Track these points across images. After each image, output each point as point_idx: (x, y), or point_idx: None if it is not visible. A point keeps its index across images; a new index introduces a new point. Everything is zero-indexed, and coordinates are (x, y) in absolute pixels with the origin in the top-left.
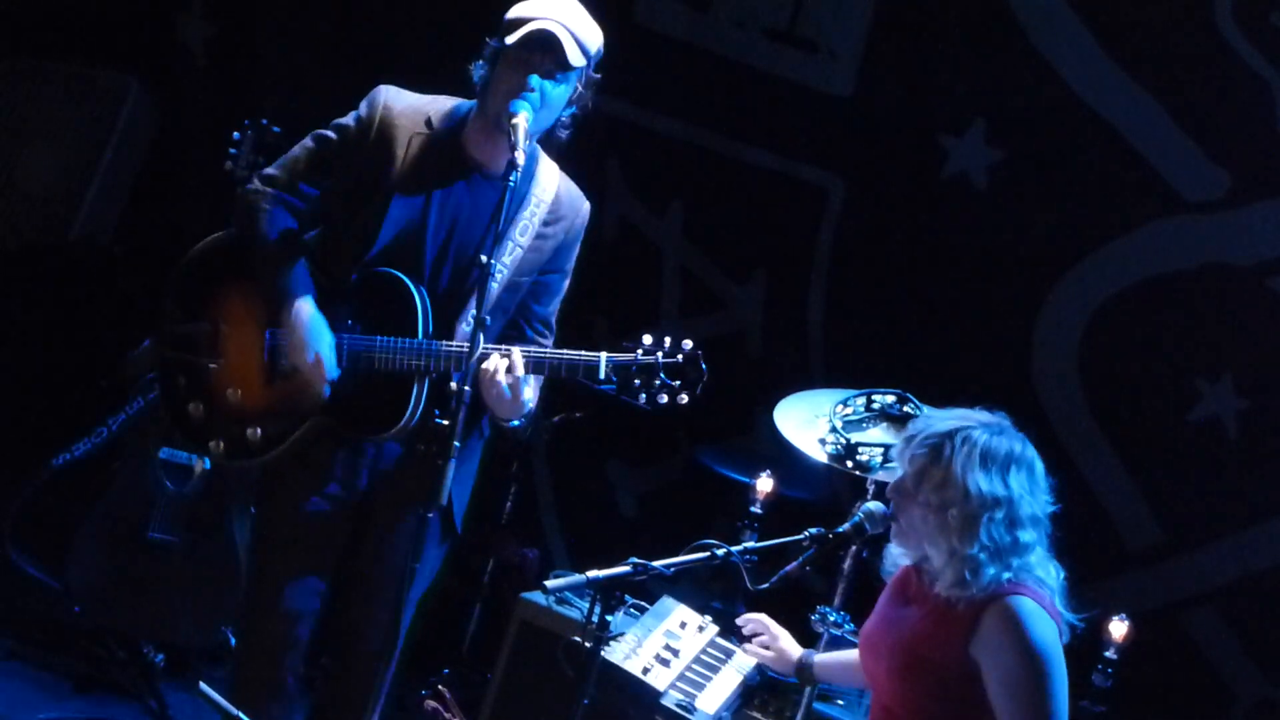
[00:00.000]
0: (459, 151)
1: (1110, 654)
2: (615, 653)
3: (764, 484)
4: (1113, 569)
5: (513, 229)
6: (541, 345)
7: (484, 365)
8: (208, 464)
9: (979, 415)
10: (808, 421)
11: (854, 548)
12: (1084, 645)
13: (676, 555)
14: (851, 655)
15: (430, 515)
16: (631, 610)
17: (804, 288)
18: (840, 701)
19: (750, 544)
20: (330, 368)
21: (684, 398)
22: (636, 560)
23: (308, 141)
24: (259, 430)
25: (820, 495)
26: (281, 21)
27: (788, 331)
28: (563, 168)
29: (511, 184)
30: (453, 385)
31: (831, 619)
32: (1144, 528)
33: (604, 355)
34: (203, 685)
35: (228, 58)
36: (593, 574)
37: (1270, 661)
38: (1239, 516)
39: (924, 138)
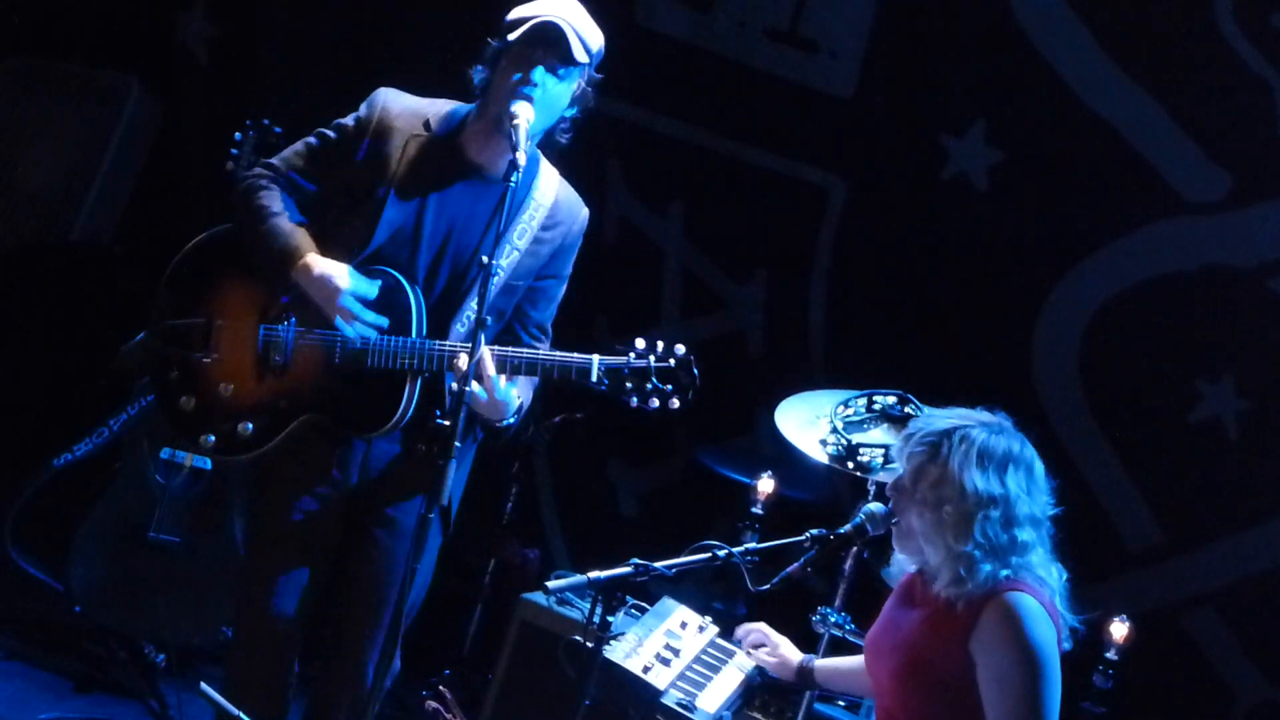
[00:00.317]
0: (457, 154)
1: (1111, 655)
2: (616, 652)
3: (765, 485)
4: (1113, 570)
5: (511, 232)
6: (539, 348)
7: (454, 364)
8: (208, 464)
9: (979, 415)
10: (809, 422)
11: (855, 549)
12: (1084, 646)
13: (677, 556)
14: (852, 662)
15: (430, 516)
16: (632, 611)
17: (805, 288)
18: (841, 702)
19: (751, 545)
20: (344, 299)
21: (675, 402)
22: (638, 561)
23: (309, 138)
24: (250, 425)
25: (821, 496)
26: (283, 22)
27: (788, 332)
28: (563, 168)
29: (513, 184)
30: (452, 386)
31: (833, 620)
32: (1144, 528)
33: (596, 358)
34: (204, 685)
35: (229, 58)
36: (594, 575)
37: (1270, 662)
38: (1239, 517)
39: (925, 138)
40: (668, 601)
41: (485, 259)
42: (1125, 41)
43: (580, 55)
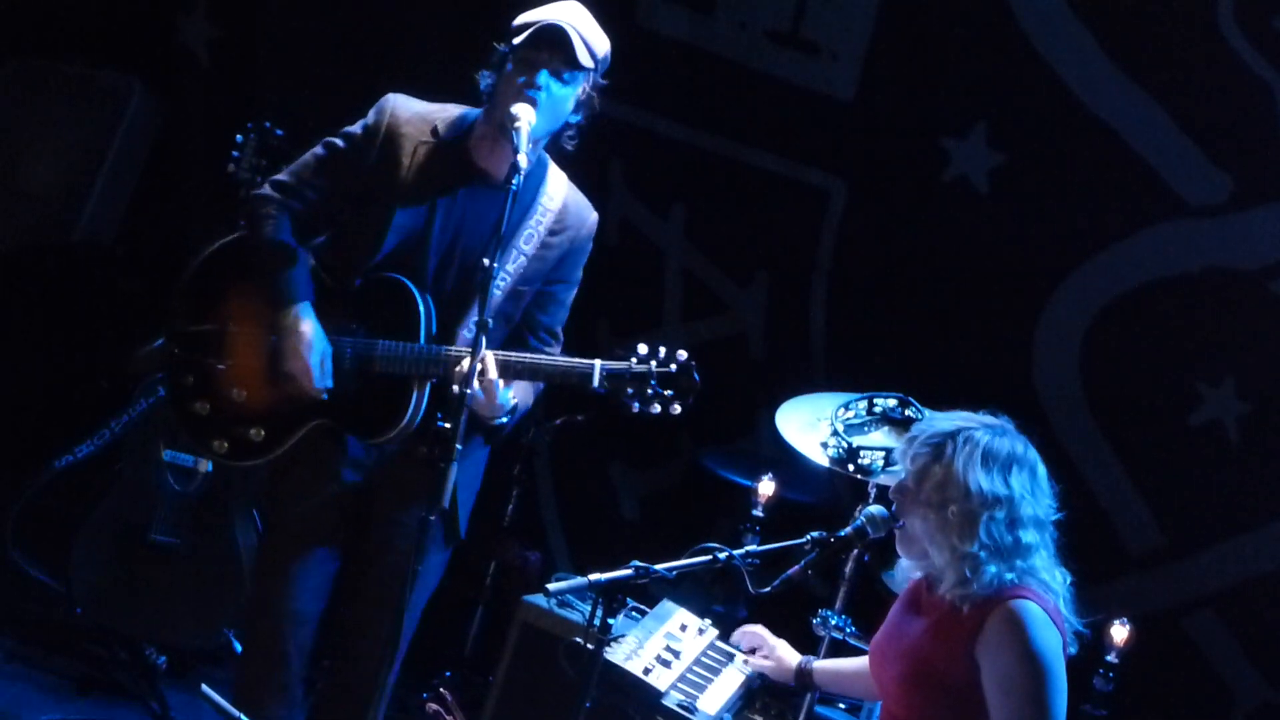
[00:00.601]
0: (465, 159)
1: (1111, 658)
2: (616, 654)
3: (766, 487)
4: (1114, 572)
5: (518, 236)
6: (547, 354)
7: (457, 367)
8: (210, 467)
9: (982, 417)
10: (809, 424)
11: (856, 551)
12: (1085, 649)
13: (678, 558)
14: (851, 664)
15: (432, 518)
16: (633, 613)
17: (806, 290)
18: (842, 705)
19: (752, 547)
20: (319, 377)
21: (676, 408)
22: (638, 563)
23: (318, 149)
24: (261, 431)
25: (822, 498)
26: (285, 24)
27: (789, 334)
28: (565, 171)
29: (514, 187)
30: (454, 389)
31: (833, 622)
32: (1145, 531)
33: (598, 363)
34: (205, 687)
35: (231, 60)
36: (594, 577)
37: (1271, 665)
38: (1240, 520)
39: (926, 141)
40: (668, 604)
41: (486, 261)
42: (1127, 44)
43: (585, 59)
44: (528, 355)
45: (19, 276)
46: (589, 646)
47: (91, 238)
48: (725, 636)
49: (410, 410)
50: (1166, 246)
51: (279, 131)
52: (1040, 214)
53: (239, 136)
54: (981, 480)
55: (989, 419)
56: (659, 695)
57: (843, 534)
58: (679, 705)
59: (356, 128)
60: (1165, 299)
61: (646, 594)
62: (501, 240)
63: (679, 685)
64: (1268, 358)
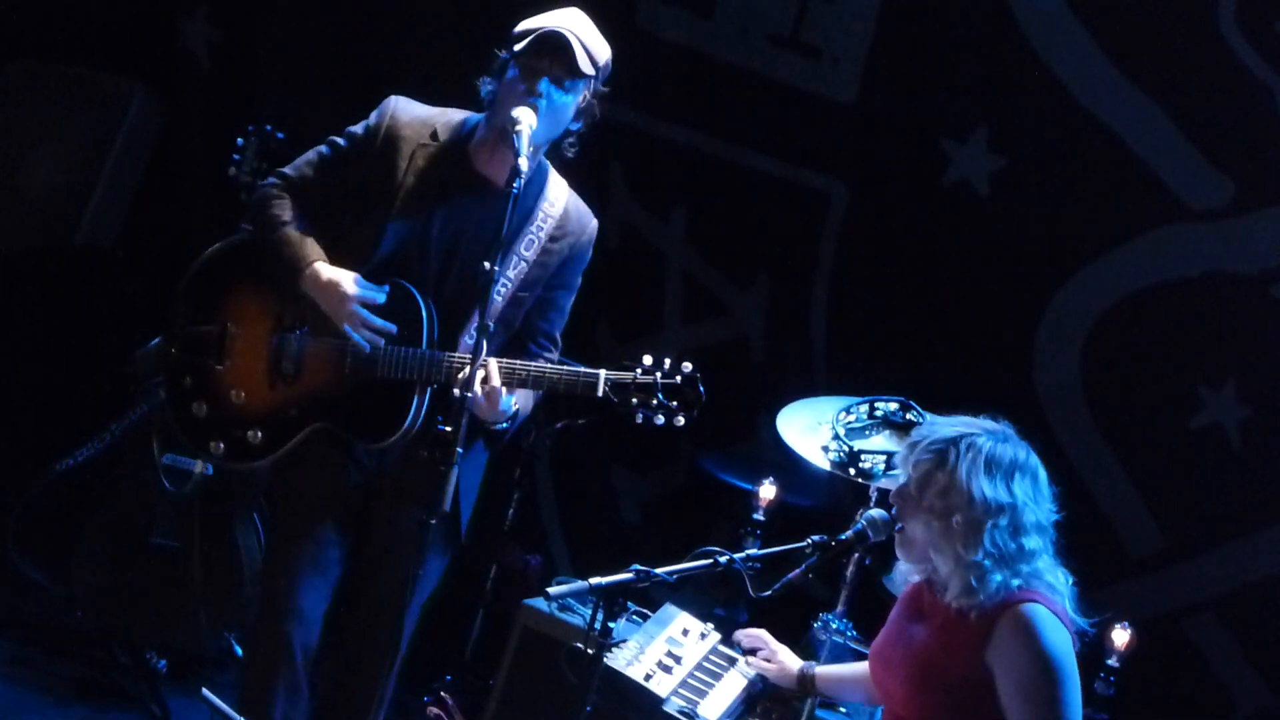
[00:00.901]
0: (464, 164)
1: (1112, 661)
2: (617, 659)
3: (767, 491)
4: (1115, 576)
5: (519, 242)
6: (546, 360)
7: (460, 373)
8: (210, 470)
9: (984, 423)
10: (810, 428)
11: (857, 555)
12: (1087, 653)
13: (679, 562)
14: (853, 669)
15: (433, 522)
16: (634, 617)
17: (807, 294)
18: (842, 709)
19: (753, 551)
20: (374, 290)
21: (680, 419)
22: (639, 567)
23: (320, 147)
24: (260, 433)
25: (823, 502)
26: (286, 27)
27: (790, 338)
28: (565, 174)
29: (515, 190)
30: (456, 392)
31: (834, 626)
32: (1146, 535)
33: (603, 373)
34: (205, 691)
35: (232, 63)
36: (595, 581)
37: (1272, 669)
38: (1241, 524)
39: (927, 144)
40: (669, 608)
41: (487, 265)
42: (1128, 47)
43: (586, 67)
44: (532, 364)
45: (20, 278)
46: (590, 651)
47: (92, 240)
48: (726, 641)
49: (411, 415)
50: (1167, 250)
51: (280, 134)
52: (1041, 217)
53: (240, 139)
54: (985, 488)
55: (991, 424)
56: (660, 702)
57: (843, 538)
58: (680, 711)
59: (358, 128)
60: (1166, 303)
61: (647, 598)
62: (503, 244)
63: (680, 691)
64: (1268, 361)
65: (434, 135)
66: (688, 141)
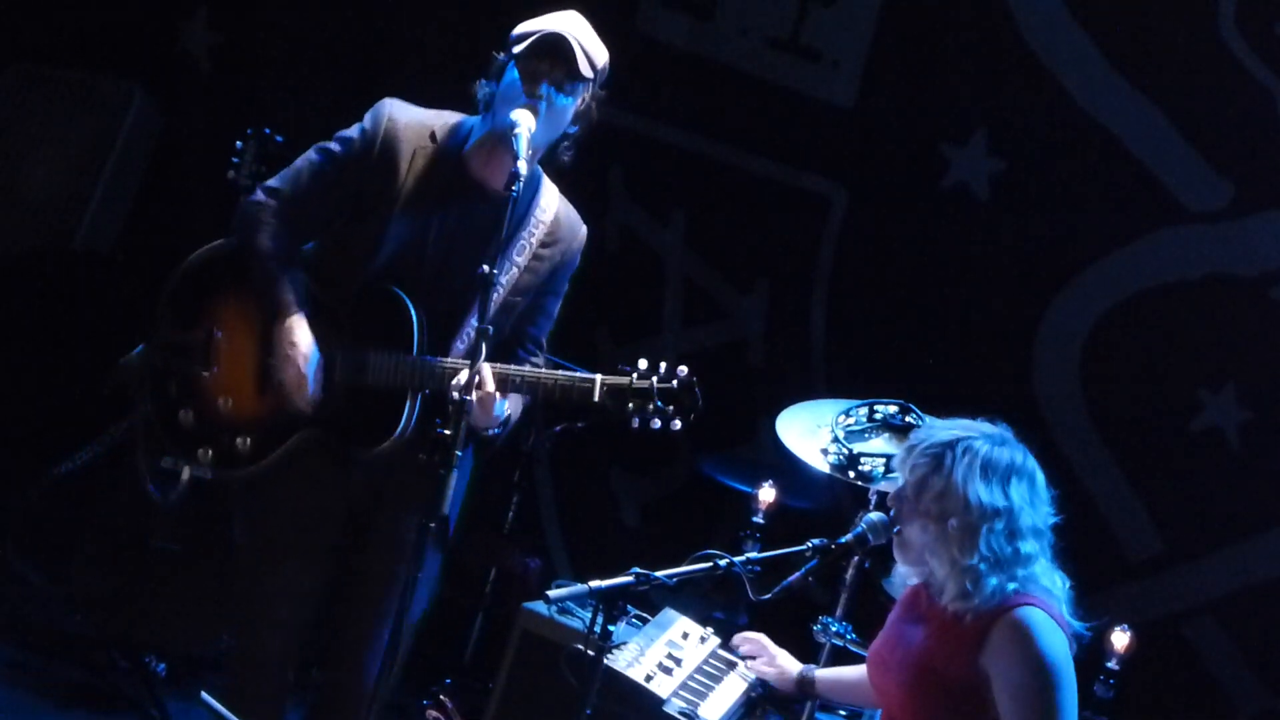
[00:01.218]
0: (462, 168)
1: (1112, 664)
2: (617, 661)
3: (766, 494)
4: (1114, 579)
5: (511, 249)
6: (533, 365)
7: (455, 380)
8: (190, 474)
9: (981, 426)
10: (810, 431)
11: (856, 558)
12: (1086, 656)
13: (679, 565)
14: (854, 672)
15: (432, 525)
16: (634, 620)
17: (806, 297)
18: (842, 712)
19: (753, 554)
20: (312, 390)
21: (677, 424)
22: (639, 570)
23: (311, 154)
24: (248, 440)
25: (822, 505)
26: (285, 31)
27: (790, 341)
28: (564, 176)
29: (515, 193)
30: (454, 395)
31: (834, 629)
32: (1145, 538)
33: (599, 378)
34: (204, 694)
35: (231, 66)
36: (595, 584)
37: (1271, 672)
38: (1240, 526)
39: (926, 147)
40: (669, 612)
41: (486, 268)
42: (1128, 50)
43: (585, 70)
44: (527, 369)
45: (19, 282)
46: (590, 653)
47: (92, 244)
48: (726, 644)
49: (402, 422)
50: (1167, 253)
51: (279, 138)
52: (1040, 220)
53: (238, 143)
54: (981, 492)
55: (988, 428)
56: (660, 702)
57: (843, 541)
58: (680, 712)
59: (352, 131)
60: (1166, 305)
61: (647, 601)
62: (502, 247)
63: (680, 693)
64: (1268, 364)
65: (432, 137)
66: (688, 145)
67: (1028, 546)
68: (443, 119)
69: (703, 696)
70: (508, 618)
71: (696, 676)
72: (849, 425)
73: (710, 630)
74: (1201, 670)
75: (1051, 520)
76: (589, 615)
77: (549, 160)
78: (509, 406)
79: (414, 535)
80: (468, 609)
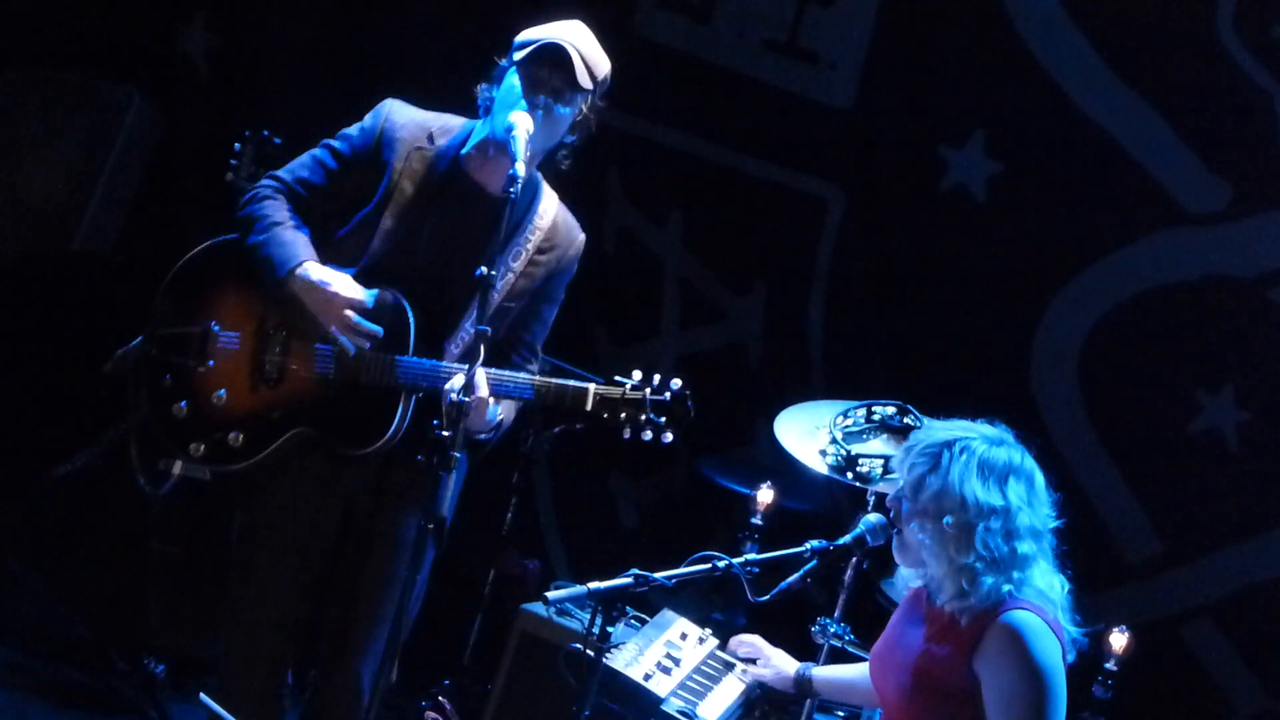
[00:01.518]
0: (459, 171)
1: (1110, 665)
2: (616, 660)
3: (765, 495)
4: (1112, 581)
5: (508, 253)
6: (527, 371)
7: (448, 384)
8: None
9: (980, 427)
10: (808, 433)
11: (855, 560)
12: (1084, 657)
13: (677, 567)
14: (852, 672)
15: (430, 526)
16: (632, 622)
17: (804, 298)
18: (840, 713)
19: (751, 555)
20: (367, 296)
21: (668, 436)
22: (637, 572)
23: (314, 150)
24: (241, 436)
25: (821, 507)
26: (283, 33)
27: (788, 342)
28: (563, 179)
29: (512, 195)
30: (452, 397)
31: (832, 630)
32: (1143, 539)
33: (592, 387)
34: (203, 696)
35: (229, 69)
36: (593, 585)
37: (1270, 673)
38: (1239, 528)
39: (924, 149)
40: (668, 613)
41: (485, 270)
42: (1126, 52)
43: (584, 81)
44: (521, 376)
45: (18, 284)
46: (588, 652)
47: (90, 245)
48: (724, 645)
49: (395, 423)
50: (1165, 255)
51: (276, 140)
52: (1038, 222)
53: (236, 145)
54: (978, 491)
55: (986, 429)
56: (659, 702)
57: (842, 542)
58: (679, 712)
59: (353, 130)
60: (1164, 307)
61: (646, 602)
62: (499, 249)
63: (679, 692)
64: (1266, 366)
65: (430, 139)
66: (685, 146)
67: (1025, 547)
68: (442, 121)
69: (701, 696)
70: (506, 619)
71: (695, 677)
72: (847, 426)
73: (709, 631)
74: (1200, 672)
75: (1052, 523)
76: (587, 616)
77: (546, 168)
78: (502, 411)
79: (412, 535)
80: (466, 610)
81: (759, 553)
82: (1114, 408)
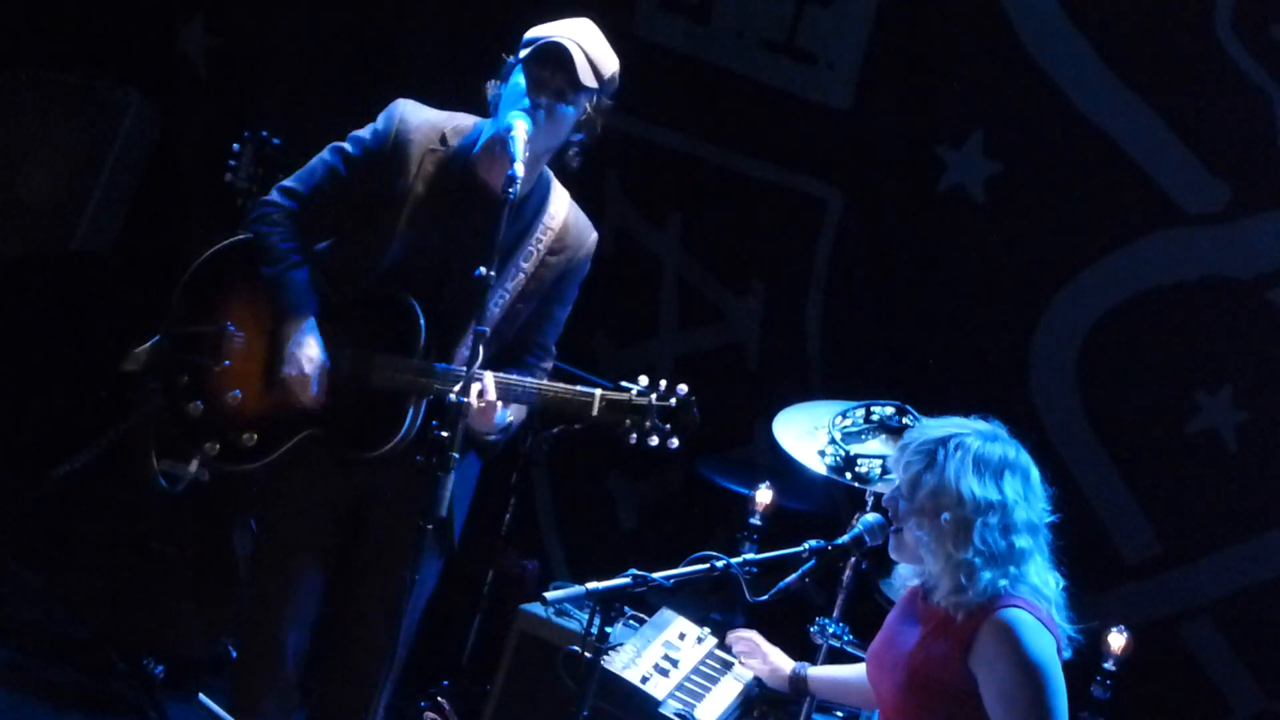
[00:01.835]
0: (469, 172)
1: (1109, 665)
2: (614, 662)
3: (763, 495)
4: (1110, 581)
5: (518, 254)
6: (542, 371)
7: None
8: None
9: (974, 423)
10: (807, 433)
11: (854, 560)
12: (1083, 657)
13: (676, 567)
14: (848, 672)
15: (428, 526)
16: (630, 622)
17: (802, 299)
18: (839, 713)
19: (750, 556)
20: (314, 389)
21: (674, 442)
22: (636, 572)
23: (325, 154)
24: (254, 435)
25: (820, 507)
26: (282, 34)
27: (786, 343)
28: (561, 180)
29: (511, 196)
30: (451, 397)
31: (831, 630)
32: (1142, 540)
33: (598, 393)
34: (202, 697)
35: (229, 70)
36: (592, 585)
37: (1268, 673)
38: (1237, 528)
39: (922, 150)
40: (666, 613)
41: (482, 270)
42: (1124, 52)
43: (587, 79)
44: (528, 378)
45: (17, 285)
46: (587, 655)
47: (89, 246)
48: (723, 645)
49: (405, 426)
50: (1164, 255)
51: (276, 141)
52: (1037, 223)
53: (235, 146)
54: (974, 486)
55: (981, 424)
56: (657, 704)
57: (840, 542)
58: (677, 714)
59: (365, 132)
60: (1162, 307)
61: (644, 602)
62: (498, 250)
63: (676, 694)
64: (1265, 366)
65: (443, 140)
66: (683, 147)
67: (1022, 541)
68: (454, 121)
69: (699, 697)
70: (505, 619)
71: (693, 677)
72: (845, 427)
73: (707, 631)
74: (1198, 672)
75: (1048, 517)
76: (586, 617)
77: (556, 167)
78: (512, 414)
79: (413, 537)
80: (465, 611)
81: (757, 553)
82: (1113, 408)
